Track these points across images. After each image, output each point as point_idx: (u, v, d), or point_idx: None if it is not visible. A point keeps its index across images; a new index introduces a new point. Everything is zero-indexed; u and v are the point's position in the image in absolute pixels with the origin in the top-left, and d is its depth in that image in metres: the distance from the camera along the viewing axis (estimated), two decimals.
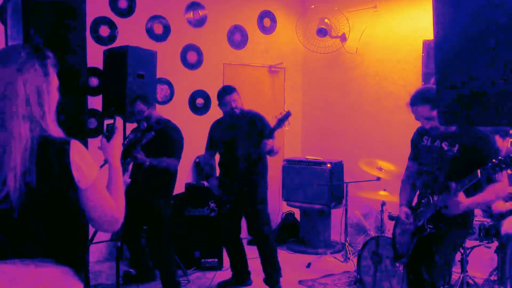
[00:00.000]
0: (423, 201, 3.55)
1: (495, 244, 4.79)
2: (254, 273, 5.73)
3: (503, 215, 4.93)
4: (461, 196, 3.21)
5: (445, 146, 3.56)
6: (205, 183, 6.46)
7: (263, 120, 5.31)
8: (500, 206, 4.78)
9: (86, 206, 1.97)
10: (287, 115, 4.95)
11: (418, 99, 3.54)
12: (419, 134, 3.82)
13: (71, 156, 1.90)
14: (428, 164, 3.67)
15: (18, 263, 1.88)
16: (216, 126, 5.52)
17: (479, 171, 3.05)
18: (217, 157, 5.58)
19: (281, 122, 4.94)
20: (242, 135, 5.25)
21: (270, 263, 5.27)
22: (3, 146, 1.85)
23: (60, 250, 1.95)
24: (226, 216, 5.37)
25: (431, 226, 3.50)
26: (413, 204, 3.78)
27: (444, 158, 3.53)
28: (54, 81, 2.03)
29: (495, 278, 4.82)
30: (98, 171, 1.99)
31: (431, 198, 3.46)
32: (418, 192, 3.80)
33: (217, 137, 5.43)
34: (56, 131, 1.96)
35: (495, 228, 4.76)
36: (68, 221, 1.96)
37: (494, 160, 2.98)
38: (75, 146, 1.94)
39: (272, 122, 5.07)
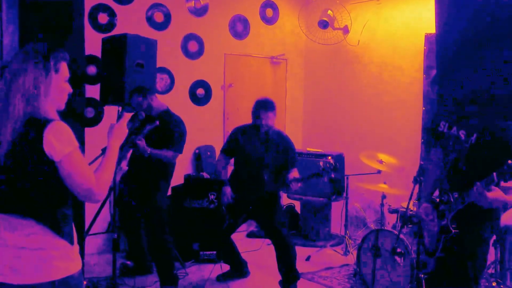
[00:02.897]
0: (443, 198, 3.40)
1: (494, 237, 4.74)
2: (252, 266, 5.70)
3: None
4: (498, 193, 3.08)
5: (462, 135, 3.39)
6: (205, 175, 6.41)
7: (293, 148, 5.22)
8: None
9: (62, 176, 2.29)
10: (331, 168, 4.86)
11: None
12: (436, 118, 3.66)
13: (45, 133, 2.24)
14: (445, 154, 3.52)
15: (3, 216, 2.32)
16: (242, 134, 5.25)
17: (495, 174, 2.96)
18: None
19: (321, 173, 4.88)
20: (271, 157, 5.08)
21: (288, 265, 5.10)
22: (5, 118, 2.30)
23: (39, 210, 2.31)
24: (222, 219, 5.31)
25: (454, 226, 3.34)
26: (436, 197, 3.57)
27: (462, 149, 3.38)
28: (58, 73, 2.38)
29: (493, 271, 4.78)
30: (73, 148, 2.29)
31: (450, 196, 3.31)
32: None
33: (239, 147, 5.21)
34: (49, 114, 2.31)
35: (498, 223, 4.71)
36: (44, 185, 2.29)
37: (510, 162, 2.88)
38: (53, 125, 2.28)
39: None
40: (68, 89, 2.45)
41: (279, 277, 5.09)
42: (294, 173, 5.02)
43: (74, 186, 2.31)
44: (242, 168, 5.23)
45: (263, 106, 5.02)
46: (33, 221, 2.30)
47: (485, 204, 3.13)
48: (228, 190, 5.12)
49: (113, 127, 2.62)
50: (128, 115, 2.90)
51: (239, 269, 5.58)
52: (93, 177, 2.35)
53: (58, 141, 2.27)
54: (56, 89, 2.38)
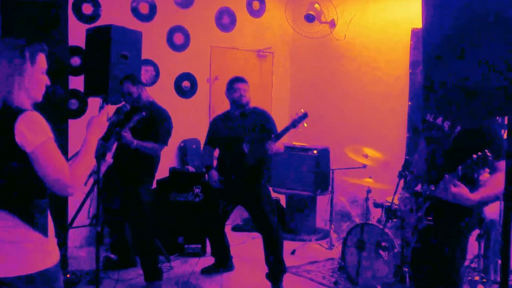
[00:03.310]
0: (420, 189, 3.38)
1: (477, 231, 4.76)
2: (238, 260, 5.69)
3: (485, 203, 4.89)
4: (463, 189, 3.04)
5: (446, 125, 3.38)
6: (190, 168, 6.37)
7: (270, 119, 5.16)
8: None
9: (34, 167, 2.27)
10: (303, 116, 4.78)
11: None
12: (423, 111, 3.64)
13: (17, 123, 2.23)
14: (428, 144, 3.50)
15: None
16: (218, 121, 5.32)
17: (460, 167, 2.95)
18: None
19: (295, 123, 4.80)
20: (247, 133, 5.05)
21: (275, 258, 5.07)
22: None
23: (12, 202, 2.29)
24: (215, 204, 5.28)
25: (430, 218, 3.32)
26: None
27: (444, 141, 3.37)
28: (35, 65, 2.36)
29: (476, 265, 4.80)
30: (46, 139, 2.27)
31: (427, 188, 3.30)
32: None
33: (219, 133, 5.23)
34: (23, 105, 2.28)
35: (477, 215, 4.72)
36: (17, 177, 2.28)
37: (474, 156, 2.86)
38: (25, 115, 2.26)
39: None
40: (46, 81, 2.43)
41: (265, 271, 5.07)
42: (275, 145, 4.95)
43: (46, 178, 2.29)
44: (225, 151, 5.26)
45: (239, 79, 5.11)
46: (6, 213, 2.28)
47: (450, 199, 3.09)
48: (214, 173, 5.14)
49: (92, 120, 2.59)
50: (108, 108, 2.84)
51: (225, 262, 5.56)
52: (66, 170, 2.32)
53: (30, 131, 2.25)
54: (32, 81, 2.36)
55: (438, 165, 3.36)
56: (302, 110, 4.81)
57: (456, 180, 3.02)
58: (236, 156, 5.02)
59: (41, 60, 2.40)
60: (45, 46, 2.42)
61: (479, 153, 2.83)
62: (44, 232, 2.34)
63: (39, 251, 2.31)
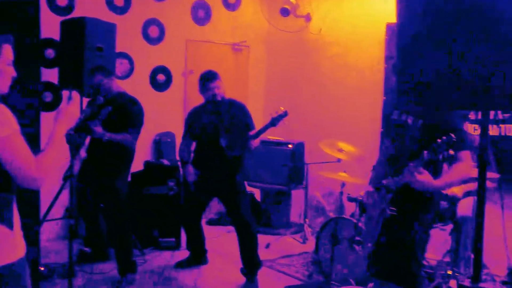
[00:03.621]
0: (384, 182, 3.43)
1: (450, 226, 4.84)
2: (212, 254, 5.70)
3: (458, 198, 4.98)
4: (426, 176, 3.14)
5: (410, 120, 3.46)
6: (164, 161, 6.35)
7: (246, 112, 5.15)
8: (456, 190, 4.81)
9: (1, 159, 2.23)
10: (283, 115, 4.76)
11: None
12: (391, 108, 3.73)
13: None
14: (394, 140, 3.57)
15: None
16: (195, 113, 5.28)
17: (425, 152, 3.02)
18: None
19: (274, 122, 4.79)
20: (224, 126, 5.02)
21: (250, 252, 5.07)
22: None
23: None
24: (191, 199, 5.27)
25: (393, 209, 3.39)
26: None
27: (408, 134, 3.44)
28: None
29: (449, 259, 4.88)
30: (11, 131, 2.22)
31: (391, 180, 3.35)
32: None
33: (196, 125, 5.19)
34: None
35: (450, 211, 4.81)
36: None
37: (438, 140, 2.93)
38: None
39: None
40: (11, 72, 2.37)
41: (240, 265, 5.08)
42: (254, 142, 4.99)
43: (12, 171, 2.24)
44: (202, 145, 5.21)
45: (208, 77, 5.03)
46: None
47: (416, 186, 3.18)
48: (190, 168, 5.12)
49: (60, 111, 2.53)
50: (76, 99, 2.78)
51: (199, 256, 5.57)
52: (33, 162, 2.27)
53: None
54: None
55: (402, 159, 3.42)
56: (282, 108, 4.80)
57: (421, 166, 3.10)
58: (213, 149, 5.00)
59: (6, 51, 2.34)
60: (10, 37, 2.36)
61: (444, 137, 2.90)
62: (10, 225, 2.30)
63: (4, 245, 2.27)
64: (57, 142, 2.42)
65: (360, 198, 5.09)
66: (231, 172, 5.04)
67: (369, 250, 3.71)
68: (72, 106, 2.59)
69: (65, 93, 6.07)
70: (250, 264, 5.08)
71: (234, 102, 5.20)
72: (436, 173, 3.31)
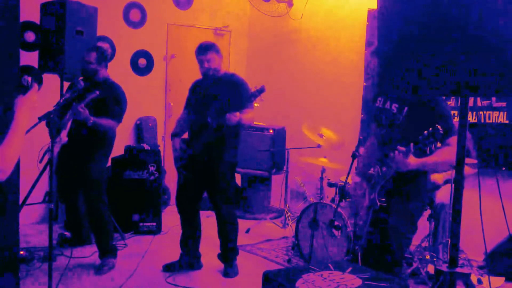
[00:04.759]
0: (373, 172, 3.43)
1: (428, 212, 4.91)
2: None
3: (439, 185, 5.05)
4: (410, 158, 3.11)
5: (394, 108, 3.46)
6: (145, 146, 6.34)
7: (242, 90, 4.78)
8: (437, 177, 4.87)
9: None
10: (260, 91, 4.58)
11: None
12: (375, 95, 3.72)
13: None
14: (379, 128, 3.56)
15: None
16: (193, 87, 5.06)
17: (412, 144, 3.03)
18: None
19: (251, 97, 4.59)
20: (215, 102, 4.70)
21: (227, 239, 4.94)
22: None
23: None
24: (184, 184, 4.99)
25: (383, 200, 3.39)
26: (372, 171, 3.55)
27: (394, 123, 3.44)
28: None
29: (427, 244, 4.96)
30: None
31: (379, 169, 3.37)
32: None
33: (191, 98, 5.01)
34: None
35: (429, 198, 4.88)
36: None
37: (425, 132, 2.94)
38: None
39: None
40: None
41: (218, 250, 5.07)
42: (244, 113, 4.67)
43: None
44: (193, 119, 4.92)
45: (201, 50, 4.78)
46: None
47: (404, 168, 3.16)
48: (176, 141, 4.86)
49: (19, 100, 2.43)
50: (37, 87, 2.65)
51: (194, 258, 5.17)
52: None
53: None
54: None
55: (390, 146, 3.43)
56: (259, 85, 4.64)
57: (406, 157, 3.10)
58: (200, 126, 4.78)
59: None
60: None
61: (430, 129, 2.91)
62: None
63: None
64: (18, 131, 2.33)
65: (341, 183, 5.15)
66: (217, 153, 4.78)
67: (354, 236, 3.73)
68: (32, 94, 2.49)
69: (45, 77, 6.02)
70: (228, 250, 4.99)
71: (230, 77, 4.96)
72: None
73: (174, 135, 4.94)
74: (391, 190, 3.40)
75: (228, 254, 4.99)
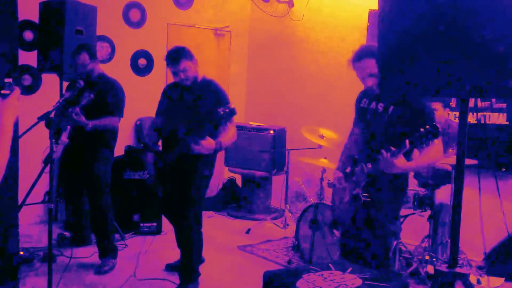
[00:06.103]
0: (357, 168, 3.46)
1: (428, 212, 4.91)
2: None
3: (437, 185, 5.05)
4: (398, 160, 3.16)
5: (380, 107, 3.51)
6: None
7: (221, 97, 4.26)
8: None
9: None
10: (230, 113, 3.93)
11: (365, 53, 3.50)
12: (360, 96, 3.77)
13: None
14: (364, 128, 3.62)
15: None
16: (165, 92, 4.59)
17: (407, 141, 3.04)
18: None
19: (220, 120, 3.91)
20: (187, 112, 4.22)
21: (186, 259, 4.43)
22: None
23: None
24: (164, 196, 4.56)
25: (366, 195, 3.42)
26: (349, 170, 3.58)
27: (379, 121, 3.48)
28: None
29: (426, 245, 4.95)
30: None
31: (364, 166, 3.38)
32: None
33: (162, 106, 4.55)
34: None
35: (429, 198, 4.88)
36: None
37: (421, 129, 2.96)
38: None
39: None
40: None
41: (218, 250, 5.05)
42: (223, 134, 4.14)
43: None
44: (164, 130, 4.43)
45: (171, 60, 4.21)
46: None
47: (389, 169, 3.21)
48: (148, 157, 4.44)
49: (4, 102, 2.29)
50: (18, 90, 2.53)
51: None
52: None
53: None
54: None
55: (375, 144, 3.46)
56: (230, 106, 3.99)
57: (401, 154, 3.14)
58: (171, 138, 4.27)
59: None
60: None
61: (427, 127, 2.93)
62: None
63: None
64: (2, 138, 2.20)
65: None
66: (191, 165, 4.23)
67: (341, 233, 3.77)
68: (14, 98, 2.34)
69: (44, 77, 6.02)
70: (184, 271, 4.46)
71: (211, 84, 4.38)
72: (407, 158, 3.33)
73: (146, 147, 4.51)
74: (375, 186, 3.44)
75: (184, 276, 4.43)
